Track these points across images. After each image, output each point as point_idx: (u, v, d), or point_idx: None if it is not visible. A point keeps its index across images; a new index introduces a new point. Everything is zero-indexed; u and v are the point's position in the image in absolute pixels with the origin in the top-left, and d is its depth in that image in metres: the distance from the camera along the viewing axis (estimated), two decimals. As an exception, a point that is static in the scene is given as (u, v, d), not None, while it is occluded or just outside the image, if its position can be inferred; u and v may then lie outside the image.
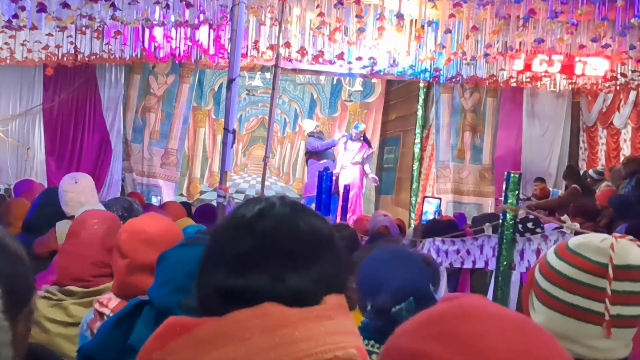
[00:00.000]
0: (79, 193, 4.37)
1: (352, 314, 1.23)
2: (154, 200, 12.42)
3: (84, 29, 9.98)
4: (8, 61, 11.88)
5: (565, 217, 3.93)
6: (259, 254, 1.18)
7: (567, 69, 10.57)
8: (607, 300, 1.60)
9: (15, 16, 8.75)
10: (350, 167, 13.39)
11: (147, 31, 10.99)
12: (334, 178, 11.50)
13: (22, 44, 10.95)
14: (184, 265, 1.96)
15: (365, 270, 2.34)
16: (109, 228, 2.98)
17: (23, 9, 8.57)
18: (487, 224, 6.04)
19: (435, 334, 0.95)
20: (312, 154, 13.86)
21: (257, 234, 1.19)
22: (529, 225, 5.10)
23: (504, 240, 4.31)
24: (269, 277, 1.15)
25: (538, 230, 4.89)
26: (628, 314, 1.63)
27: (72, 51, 11.21)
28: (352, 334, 1.18)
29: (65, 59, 11.58)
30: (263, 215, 1.21)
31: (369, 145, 13.78)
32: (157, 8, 9.09)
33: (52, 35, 10.27)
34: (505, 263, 4.28)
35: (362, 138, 13.57)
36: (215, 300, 1.17)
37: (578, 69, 10.44)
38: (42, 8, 8.10)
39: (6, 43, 10.90)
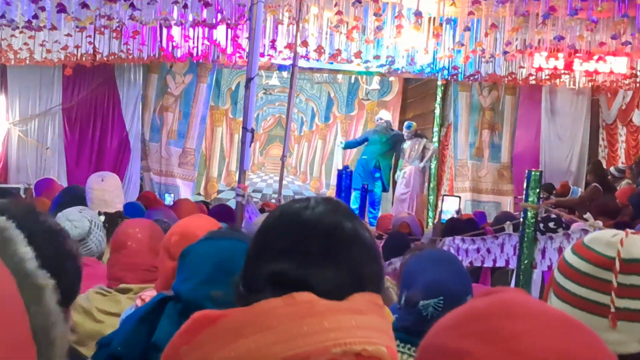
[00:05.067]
0: (104, 191, 4.41)
1: (386, 315, 1.22)
2: (168, 199, 12.44)
3: (102, 29, 10.03)
4: (27, 61, 11.95)
5: (588, 215, 3.90)
6: (301, 242, 1.20)
7: (587, 66, 10.52)
8: (612, 292, 1.61)
9: (35, 17, 8.82)
10: (407, 166, 13.52)
11: (165, 31, 11.02)
12: None
13: (42, 45, 11.02)
14: (211, 257, 1.99)
15: (407, 266, 2.35)
16: (153, 233, 3.11)
17: (43, 9, 8.63)
18: (508, 222, 6.02)
19: (476, 331, 0.93)
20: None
21: (301, 223, 1.23)
22: (551, 225, 5.07)
23: (525, 239, 4.29)
24: (304, 263, 1.18)
25: (560, 230, 4.85)
26: (636, 308, 1.63)
27: (91, 51, 11.27)
28: (384, 333, 1.16)
29: (84, 59, 11.65)
30: (310, 208, 1.25)
31: (423, 137, 13.88)
32: (175, 8, 9.12)
33: (71, 36, 10.33)
34: (526, 261, 4.27)
35: (414, 136, 13.65)
36: (258, 285, 1.19)
37: (598, 67, 10.39)
38: (61, 8, 8.15)
39: (25, 43, 10.99)
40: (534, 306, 0.97)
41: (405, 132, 13.68)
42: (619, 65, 10.26)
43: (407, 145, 13.60)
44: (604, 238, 1.69)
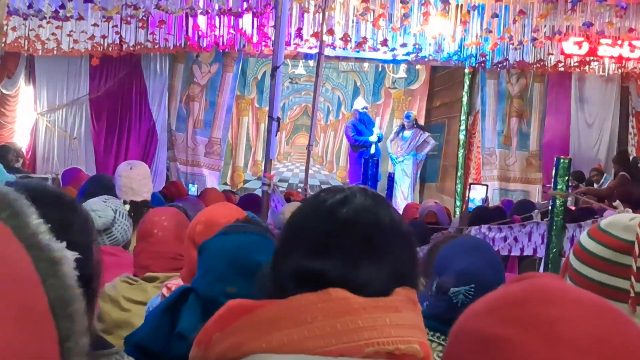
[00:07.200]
0: (132, 179, 4.43)
1: (420, 310, 1.21)
2: (192, 189, 12.47)
3: (129, 18, 10.08)
4: (55, 52, 12.04)
5: (617, 203, 3.85)
6: (337, 239, 1.19)
7: (616, 52, 10.40)
8: (632, 277, 1.59)
9: (62, 7, 8.88)
10: (406, 156, 13.49)
11: (191, 20, 11.05)
12: None
13: (69, 35, 11.11)
14: (225, 253, 2.01)
15: (441, 254, 2.33)
16: (179, 221, 3.12)
17: (70, -1, 8.69)
18: (536, 210, 5.97)
19: (512, 317, 0.89)
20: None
21: (338, 219, 1.20)
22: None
23: (554, 227, 4.24)
24: (344, 262, 1.16)
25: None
26: None
27: (117, 41, 11.34)
28: (417, 329, 1.15)
29: (110, 49, 11.71)
30: (346, 202, 1.22)
31: (422, 130, 13.83)
32: (201, -3, 9.15)
33: (97, 26, 10.39)
34: (555, 250, 4.21)
35: (414, 126, 13.62)
36: (290, 281, 1.18)
37: (627, 53, 10.26)
38: (88, -2, 8.21)
39: (53, 34, 11.09)
40: (571, 291, 0.94)
41: (405, 122, 13.67)
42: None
43: (408, 135, 13.56)
44: (621, 222, 1.67)
